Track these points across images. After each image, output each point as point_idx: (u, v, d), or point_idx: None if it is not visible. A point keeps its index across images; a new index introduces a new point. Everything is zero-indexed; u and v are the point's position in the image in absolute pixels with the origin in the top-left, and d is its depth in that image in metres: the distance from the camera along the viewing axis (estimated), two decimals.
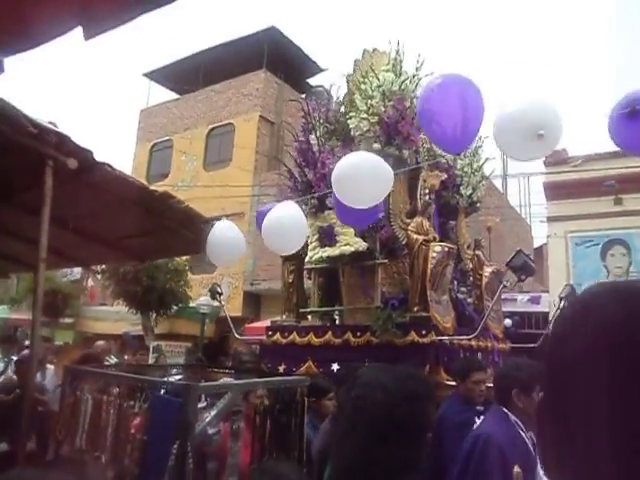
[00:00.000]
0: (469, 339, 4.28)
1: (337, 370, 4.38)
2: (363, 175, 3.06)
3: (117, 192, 3.46)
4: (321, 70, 19.55)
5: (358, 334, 4.42)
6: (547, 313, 14.04)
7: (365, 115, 4.46)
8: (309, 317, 5.13)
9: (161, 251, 5.44)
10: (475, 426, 3.28)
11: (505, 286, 3.86)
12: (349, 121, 4.66)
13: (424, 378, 1.96)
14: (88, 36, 1.64)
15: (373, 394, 1.45)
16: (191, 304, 13.13)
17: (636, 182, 11.67)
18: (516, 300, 13.65)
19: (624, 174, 11.47)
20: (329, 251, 4.44)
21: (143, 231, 4.19)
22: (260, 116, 17.66)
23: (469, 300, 5.31)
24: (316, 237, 4.52)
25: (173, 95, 20.89)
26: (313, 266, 4.95)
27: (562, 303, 4.89)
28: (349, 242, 4.34)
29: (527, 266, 3.59)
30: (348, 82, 4.98)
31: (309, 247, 4.64)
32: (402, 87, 4.50)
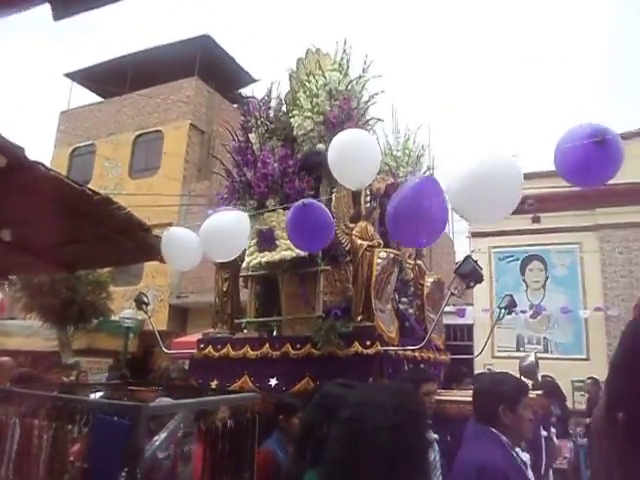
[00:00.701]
0: (416, 350, 4.14)
1: (275, 385, 4.10)
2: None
3: (50, 195, 3.06)
4: (254, 81, 19.31)
5: (298, 346, 4.15)
6: (472, 325, 14.50)
7: (309, 114, 4.25)
8: (245, 329, 4.80)
9: (95, 260, 4.97)
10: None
11: (453, 294, 3.76)
12: (292, 120, 4.43)
13: (416, 393, 1.78)
14: (57, 16, 1.49)
15: (372, 415, 1.32)
16: (113, 317, 12.35)
17: (552, 202, 12.29)
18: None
19: (542, 194, 12.08)
20: (268, 256, 4.15)
21: (76, 238, 3.79)
22: (190, 124, 17.16)
23: (410, 310, 5.19)
24: (255, 241, 4.22)
25: (97, 98, 19.87)
26: (250, 273, 4.64)
27: (502, 313, 4.88)
28: (290, 247, 4.07)
29: (475, 272, 3.50)
30: (291, 80, 4.77)
31: (247, 252, 4.33)
32: (348, 87, 4.35)
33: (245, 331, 4.73)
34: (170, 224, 14.05)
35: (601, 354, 12.93)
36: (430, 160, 5.65)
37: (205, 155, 17.40)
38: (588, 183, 2.81)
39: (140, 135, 17.61)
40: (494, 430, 2.16)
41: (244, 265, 4.44)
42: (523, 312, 13.30)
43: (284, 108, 4.74)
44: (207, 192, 14.41)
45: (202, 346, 4.68)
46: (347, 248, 4.32)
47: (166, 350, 5.76)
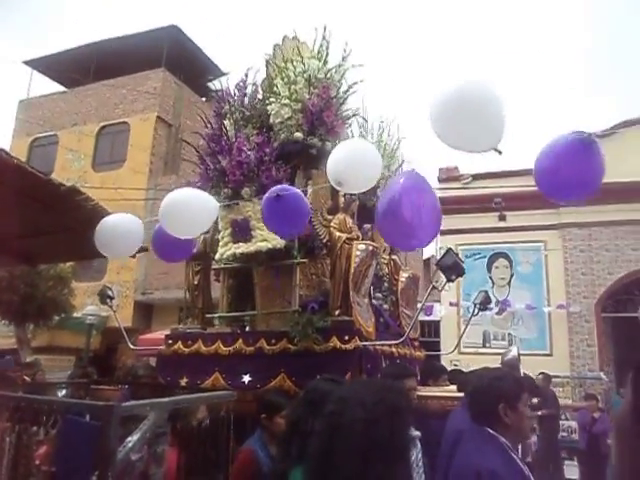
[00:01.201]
0: (395, 345, 4.05)
1: (249, 382, 3.94)
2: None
3: (13, 183, 2.89)
4: (223, 74, 18.96)
5: (273, 341, 4.00)
6: (438, 322, 14.63)
7: (287, 101, 4.10)
8: (216, 323, 4.62)
9: (59, 254, 4.75)
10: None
11: (435, 287, 3.68)
12: (269, 107, 4.28)
13: (402, 389, 1.71)
14: None
15: (351, 410, 1.32)
16: (75, 314, 11.92)
17: (518, 200, 12.52)
18: None
19: (508, 192, 12.27)
20: (243, 247, 3.98)
21: (39, 230, 3.58)
22: (157, 117, 16.74)
23: (385, 306, 5.11)
24: (229, 231, 4.05)
25: (59, 87, 19.20)
26: (223, 265, 4.46)
27: (476, 309, 4.85)
28: (266, 238, 3.92)
29: (457, 265, 3.43)
30: (268, 66, 4.62)
31: (220, 243, 4.16)
32: (327, 75, 4.22)
33: (217, 326, 4.56)
34: None
35: (564, 350, 13.20)
36: (401, 155, 5.57)
37: (172, 148, 17.02)
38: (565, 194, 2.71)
39: (105, 127, 17.12)
40: (492, 431, 2.04)
41: (217, 257, 4.26)
42: (490, 309, 13.48)
43: (260, 95, 4.58)
44: (174, 186, 14.10)
45: (171, 342, 4.48)
46: (324, 240, 4.20)
47: (133, 346, 5.53)
